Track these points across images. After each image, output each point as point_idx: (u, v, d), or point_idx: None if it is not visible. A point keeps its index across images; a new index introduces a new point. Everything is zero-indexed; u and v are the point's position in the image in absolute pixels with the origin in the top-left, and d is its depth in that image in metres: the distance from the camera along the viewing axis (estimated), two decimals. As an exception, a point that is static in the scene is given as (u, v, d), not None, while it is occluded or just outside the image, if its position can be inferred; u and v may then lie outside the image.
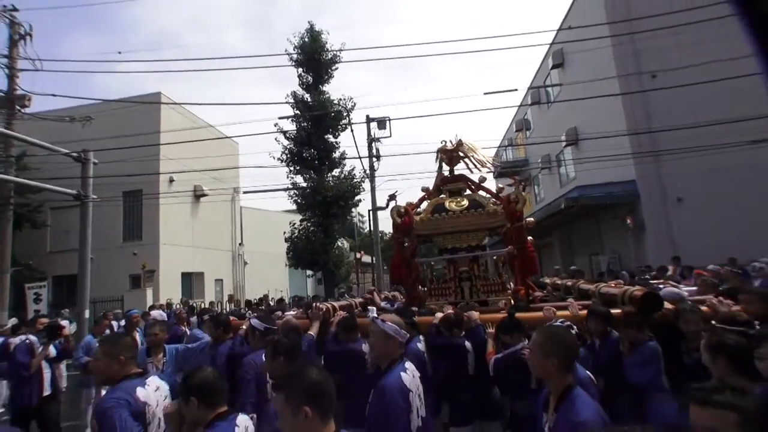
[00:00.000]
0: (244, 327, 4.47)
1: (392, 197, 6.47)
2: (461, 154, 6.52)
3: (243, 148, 26.74)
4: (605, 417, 1.98)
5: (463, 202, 6.11)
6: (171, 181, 18.98)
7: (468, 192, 6.45)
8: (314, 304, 5.09)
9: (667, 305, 3.87)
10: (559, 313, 4.09)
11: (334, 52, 20.04)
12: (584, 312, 4.05)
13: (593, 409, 1.96)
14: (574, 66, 17.22)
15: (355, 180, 19.92)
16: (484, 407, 4.04)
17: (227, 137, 22.22)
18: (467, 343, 4.07)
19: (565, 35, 16.76)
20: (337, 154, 20.53)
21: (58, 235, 19.40)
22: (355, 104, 20.44)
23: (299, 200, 20.16)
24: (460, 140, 6.54)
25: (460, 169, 6.72)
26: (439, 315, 4.38)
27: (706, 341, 2.54)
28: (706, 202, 12.38)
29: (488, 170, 6.97)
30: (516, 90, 21.74)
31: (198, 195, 21.71)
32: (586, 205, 13.99)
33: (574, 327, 3.38)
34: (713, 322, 3.15)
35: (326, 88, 20.58)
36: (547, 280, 7.63)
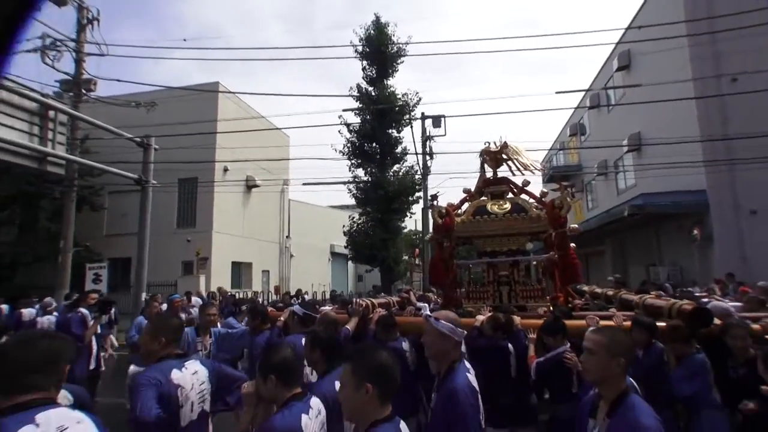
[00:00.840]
0: (281, 318, 4.55)
1: (434, 198, 6.57)
2: (505, 156, 6.47)
3: (291, 141, 26.89)
4: (662, 425, 1.86)
5: (505, 206, 6.09)
6: (225, 170, 19.31)
7: (510, 195, 6.40)
8: (354, 300, 5.15)
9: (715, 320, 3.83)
10: (602, 322, 4.00)
11: (400, 46, 19.94)
12: (628, 323, 3.99)
13: (652, 415, 1.86)
14: (642, 68, 16.44)
15: (417, 176, 19.76)
16: (521, 412, 4.04)
17: (279, 128, 22.52)
18: (510, 346, 4.09)
19: (633, 35, 16.02)
20: (399, 149, 20.45)
21: (114, 218, 19.89)
22: (420, 99, 20.32)
23: (358, 194, 20.16)
24: (505, 142, 6.48)
25: (502, 171, 6.70)
26: (480, 317, 4.39)
27: (763, 354, 2.62)
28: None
29: (532, 174, 6.75)
30: (590, 90, 21.23)
31: (250, 185, 21.85)
32: (650, 213, 13.32)
33: None
34: None
35: (390, 82, 20.50)
36: (585, 288, 7.41)
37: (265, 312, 4.83)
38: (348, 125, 19.81)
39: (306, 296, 14.81)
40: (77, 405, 2.47)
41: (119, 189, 18.03)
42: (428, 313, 4.09)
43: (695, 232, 12.42)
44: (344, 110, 19.74)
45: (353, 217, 20.96)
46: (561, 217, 5.64)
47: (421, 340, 2.79)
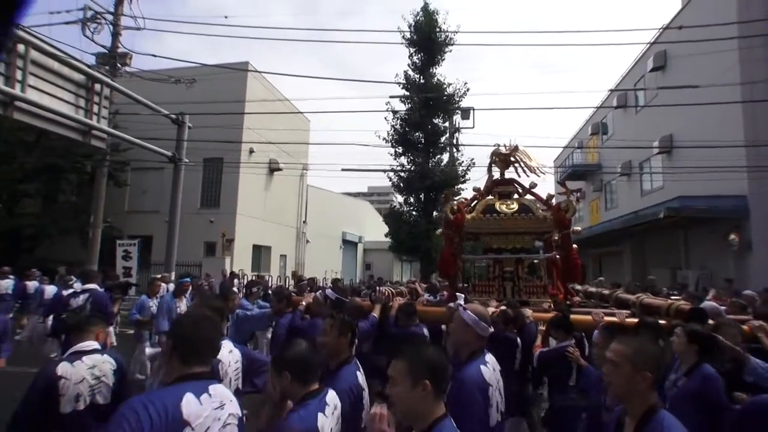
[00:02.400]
0: (303, 303, 4.92)
1: (447, 194, 6.82)
2: (514, 159, 6.78)
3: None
4: None
5: (512, 206, 6.41)
6: (251, 152, 19.07)
7: (516, 196, 6.75)
8: (378, 288, 5.55)
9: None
10: (606, 318, 4.32)
11: (448, 34, 19.72)
12: (631, 320, 4.24)
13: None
14: (678, 70, 16.35)
15: (462, 168, 19.70)
16: (518, 402, 4.22)
17: (305, 112, 22.37)
18: (518, 340, 4.33)
19: (672, 36, 15.89)
20: (443, 139, 20.29)
21: (135, 195, 19.84)
22: (468, 89, 20.13)
23: (399, 183, 20.05)
24: (516, 146, 6.81)
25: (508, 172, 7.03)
26: (491, 309, 4.57)
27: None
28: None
29: (538, 177, 7.09)
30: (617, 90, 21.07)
31: (273, 168, 21.60)
32: (686, 216, 13.30)
33: None
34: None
35: (437, 71, 20.32)
36: (578, 287, 7.75)
37: (289, 296, 5.19)
38: (395, 112, 19.67)
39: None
40: (119, 371, 2.56)
41: (141, 166, 17.84)
42: (461, 303, 4.31)
43: (732, 237, 12.41)
44: (391, 97, 19.51)
45: (394, 206, 20.90)
46: (566, 219, 5.97)
47: (449, 326, 2.92)
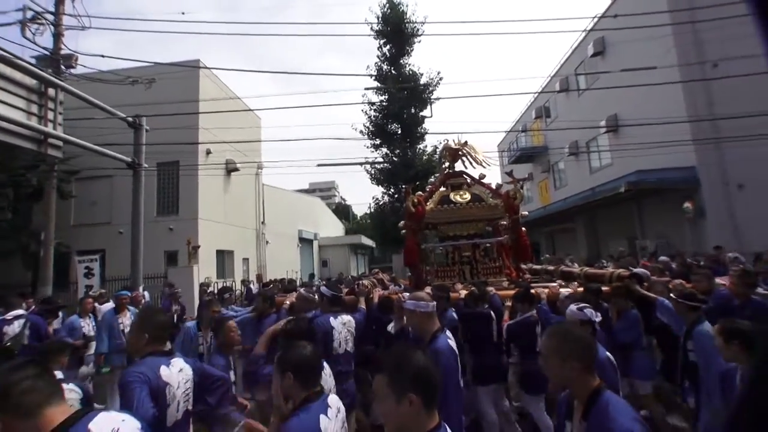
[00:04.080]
0: (287, 302, 5.22)
1: (406, 190, 7.22)
2: (462, 153, 7.40)
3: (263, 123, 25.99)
4: (642, 421, 1.77)
5: (465, 195, 6.99)
6: (208, 153, 18.07)
7: (466, 186, 7.32)
8: (359, 282, 5.78)
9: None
10: (562, 291, 5.15)
11: (416, 25, 19.84)
12: (581, 289, 5.05)
13: (629, 414, 1.75)
14: (617, 55, 17.43)
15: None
16: (500, 371, 4.70)
17: (254, 110, 21.60)
18: (492, 313, 4.73)
19: (609, 24, 16.91)
20: (421, 129, 20.56)
21: (82, 207, 18.20)
22: (442, 78, 20.40)
23: (378, 175, 20.01)
24: (466, 141, 7.42)
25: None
26: (462, 291, 5.27)
27: (718, 328, 2.94)
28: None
29: (483, 168, 7.83)
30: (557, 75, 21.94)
31: (230, 169, 20.66)
32: (643, 189, 14.24)
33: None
34: (672, 296, 4.04)
35: (407, 61, 20.60)
36: (523, 266, 8.50)
37: (273, 297, 5.41)
38: (372, 104, 19.72)
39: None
40: (84, 400, 2.66)
41: (88, 175, 16.65)
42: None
43: (687, 205, 13.43)
44: (366, 89, 19.55)
45: (376, 198, 21.06)
46: (515, 205, 6.65)
47: (406, 321, 3.20)
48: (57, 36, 12.56)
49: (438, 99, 19.61)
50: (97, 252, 15.29)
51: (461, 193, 7.07)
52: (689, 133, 13.49)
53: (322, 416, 1.92)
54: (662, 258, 8.70)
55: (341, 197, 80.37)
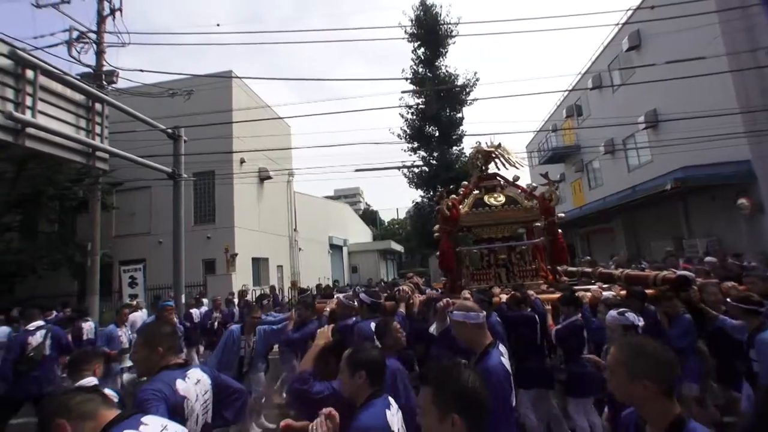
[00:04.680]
0: (327, 309, 5.33)
1: (441, 194, 7.19)
2: (495, 155, 7.37)
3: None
4: None
5: (500, 198, 6.99)
6: (242, 162, 18.40)
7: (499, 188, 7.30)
8: (399, 288, 5.81)
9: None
10: (605, 293, 5.05)
11: (450, 26, 19.85)
12: (624, 292, 4.87)
13: None
14: (654, 48, 16.91)
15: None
16: (544, 375, 4.65)
17: (284, 118, 21.76)
18: (536, 316, 4.72)
19: (645, 15, 16.41)
20: (459, 131, 20.52)
21: (122, 218, 18.70)
22: (479, 79, 20.40)
23: (415, 179, 20.02)
24: (500, 143, 7.41)
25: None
26: (503, 295, 5.23)
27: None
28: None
29: (516, 170, 8.09)
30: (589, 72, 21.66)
31: (263, 177, 20.86)
32: (692, 186, 13.67)
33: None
34: (729, 300, 3.96)
35: (442, 62, 20.55)
36: (558, 268, 8.38)
37: (313, 305, 5.58)
38: (410, 107, 19.77)
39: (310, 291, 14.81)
40: (121, 404, 2.58)
41: (127, 187, 16.98)
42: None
43: (742, 201, 12.72)
44: (403, 92, 19.80)
45: (415, 202, 21.08)
46: (551, 208, 6.59)
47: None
48: (99, 53, 12.93)
49: (475, 100, 19.55)
50: (137, 261, 15.55)
51: (495, 195, 7.06)
52: (741, 125, 12.91)
53: (387, 411, 2.00)
54: (708, 258, 8.41)
55: (366, 203, 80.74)
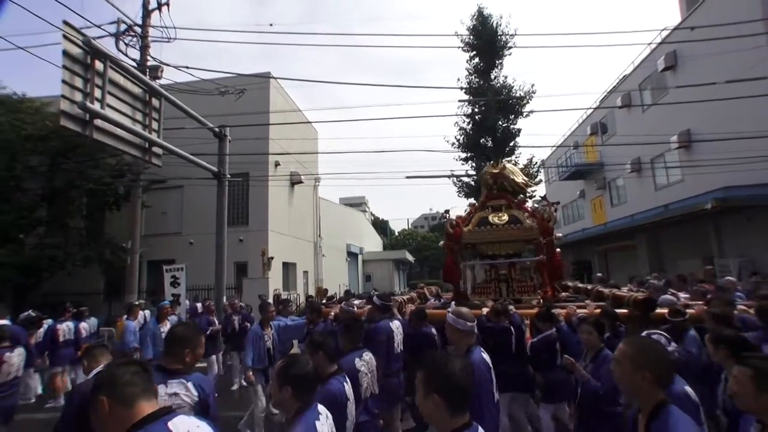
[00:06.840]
0: (332, 313, 6.13)
1: (446, 212, 7.61)
2: (503, 176, 7.76)
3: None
4: None
5: (504, 217, 7.40)
6: (277, 164, 18.33)
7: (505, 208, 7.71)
8: (392, 298, 6.24)
9: (662, 310, 4.95)
10: (579, 311, 5.50)
11: (507, 37, 20.10)
12: (597, 311, 5.23)
13: (690, 427, 1.81)
14: (690, 68, 17.03)
15: (533, 171, 19.98)
16: (520, 380, 5.12)
17: (316, 122, 21.82)
18: (511, 327, 5.23)
19: (682, 36, 16.56)
20: (512, 142, 20.90)
21: (152, 217, 18.37)
22: (536, 90, 20.57)
23: (465, 188, 20.18)
24: (504, 165, 7.92)
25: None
26: (485, 309, 5.69)
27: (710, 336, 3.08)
28: None
29: (523, 190, 8.21)
30: (616, 90, 21.77)
31: (294, 182, 20.75)
32: (731, 206, 13.74)
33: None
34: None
35: (497, 73, 20.86)
36: (569, 284, 8.98)
37: (319, 308, 6.25)
38: (468, 116, 20.20)
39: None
40: None
41: (158, 186, 16.93)
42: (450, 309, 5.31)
43: None
44: (460, 101, 20.07)
45: (469, 211, 21.21)
46: (549, 227, 6.95)
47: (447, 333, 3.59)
48: (144, 48, 12.96)
49: (532, 112, 19.83)
50: (167, 262, 15.51)
51: (500, 214, 7.45)
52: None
53: (316, 422, 2.09)
54: (728, 278, 8.54)
55: (371, 212, 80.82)
